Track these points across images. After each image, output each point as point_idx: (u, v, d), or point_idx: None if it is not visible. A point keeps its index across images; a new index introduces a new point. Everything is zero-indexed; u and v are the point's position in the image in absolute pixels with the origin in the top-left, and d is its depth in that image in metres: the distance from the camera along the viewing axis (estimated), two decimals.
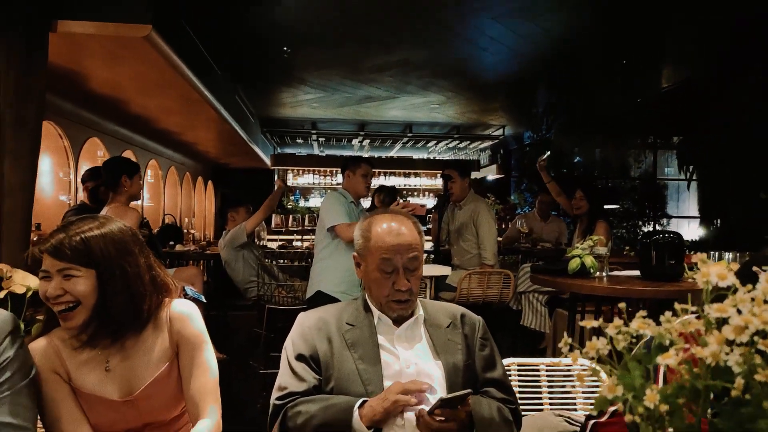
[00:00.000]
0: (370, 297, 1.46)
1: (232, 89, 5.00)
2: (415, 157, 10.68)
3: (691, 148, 6.81)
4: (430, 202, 10.10)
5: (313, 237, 6.02)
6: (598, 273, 2.43)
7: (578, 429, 1.60)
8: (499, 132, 8.43)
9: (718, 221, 6.87)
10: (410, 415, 1.25)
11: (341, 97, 6.10)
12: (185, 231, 5.17)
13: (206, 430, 1.29)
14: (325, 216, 3.17)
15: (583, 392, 1.82)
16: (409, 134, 8.28)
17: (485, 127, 8.20)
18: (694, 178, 6.89)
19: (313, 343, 1.39)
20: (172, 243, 4.52)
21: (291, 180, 10.38)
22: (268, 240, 5.48)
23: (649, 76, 5.56)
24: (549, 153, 4.89)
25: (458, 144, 9.16)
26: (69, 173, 3.93)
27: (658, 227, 8.38)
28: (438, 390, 1.28)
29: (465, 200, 3.98)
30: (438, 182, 10.70)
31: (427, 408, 1.21)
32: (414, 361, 1.37)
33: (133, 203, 3.18)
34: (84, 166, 3.92)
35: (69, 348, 1.33)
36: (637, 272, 2.53)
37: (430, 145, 9.21)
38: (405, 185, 10.56)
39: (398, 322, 1.43)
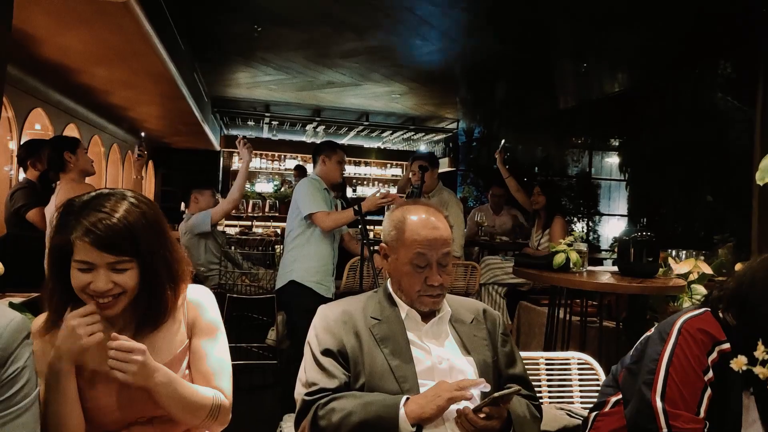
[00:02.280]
0: (398, 291, 1.42)
1: (191, 66, 4.73)
2: (366, 145, 10.62)
3: (629, 150, 7.27)
4: (387, 191, 10.10)
5: (273, 224, 5.87)
6: (578, 268, 2.51)
7: (579, 422, 1.66)
8: (453, 126, 8.56)
9: (644, 220, 7.35)
10: (450, 413, 1.23)
11: (302, 81, 5.94)
12: None
13: (217, 395, 1.26)
14: (301, 203, 3.07)
15: (580, 385, 1.89)
16: (365, 123, 8.21)
17: (440, 120, 8.29)
18: (626, 177, 7.36)
19: (340, 338, 1.34)
20: None
21: (237, 163, 10.02)
22: (225, 225, 5.25)
23: (593, 81, 5.85)
24: (504, 142, 4.98)
25: (412, 135, 9.21)
26: (9, 145, 3.56)
27: (591, 224, 8.91)
28: (487, 384, 1.26)
29: (433, 191, 3.98)
30: (388, 172, 10.73)
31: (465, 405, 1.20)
32: (446, 357, 1.35)
33: (88, 180, 2.94)
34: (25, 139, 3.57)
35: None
36: (613, 268, 2.65)
37: (384, 135, 9.18)
38: (355, 174, 10.50)
39: (425, 317, 1.41)
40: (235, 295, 3.77)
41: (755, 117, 3.15)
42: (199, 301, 1.31)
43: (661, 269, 2.63)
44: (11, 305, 1.87)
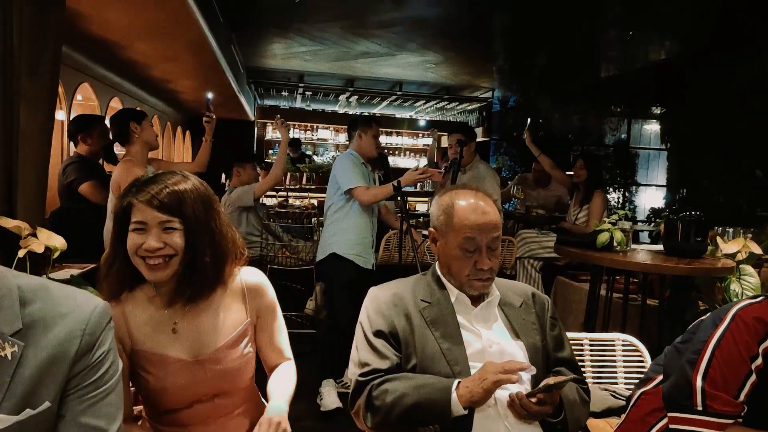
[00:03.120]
0: (446, 274, 1.44)
1: (230, 39, 4.75)
2: (398, 115, 10.53)
3: (671, 119, 7.00)
4: (416, 162, 10.07)
5: (311, 195, 5.94)
6: (623, 248, 2.48)
7: (623, 403, 1.67)
8: (488, 95, 8.38)
9: (684, 191, 7.13)
10: (501, 396, 1.26)
11: (337, 51, 5.89)
12: None
13: (291, 366, 1.47)
14: (341, 178, 3.09)
15: (624, 367, 1.90)
16: (399, 92, 8.12)
17: (474, 89, 8.12)
18: (668, 147, 7.11)
19: (391, 319, 1.37)
20: None
21: (270, 133, 10.10)
22: (264, 196, 5.35)
23: (636, 49, 5.61)
24: (530, 121, 4.84)
25: (446, 105, 9.07)
26: (62, 118, 3.68)
27: (627, 194, 8.70)
28: (533, 368, 1.28)
29: (471, 164, 3.93)
30: (420, 141, 10.64)
31: (517, 389, 1.23)
32: (496, 340, 1.37)
33: (152, 153, 3.01)
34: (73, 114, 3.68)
35: (137, 310, 1.32)
36: (658, 247, 2.60)
37: (417, 104, 9.07)
38: (386, 144, 10.45)
39: (475, 301, 1.43)
40: (275, 267, 3.87)
41: None
42: (258, 284, 1.39)
43: (708, 247, 2.57)
44: (72, 278, 1.98)
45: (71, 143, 3.55)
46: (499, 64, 6.50)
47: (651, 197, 8.60)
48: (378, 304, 1.40)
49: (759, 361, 1.23)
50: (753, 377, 1.22)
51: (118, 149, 2.97)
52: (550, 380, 1.22)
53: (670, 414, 1.28)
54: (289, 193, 5.60)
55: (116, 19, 2.99)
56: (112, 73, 4.43)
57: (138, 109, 3.12)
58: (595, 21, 4.58)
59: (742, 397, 1.22)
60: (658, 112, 7.82)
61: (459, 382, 1.25)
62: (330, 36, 5.21)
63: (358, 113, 10.24)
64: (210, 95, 3.15)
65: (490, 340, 1.37)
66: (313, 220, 4.28)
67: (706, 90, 5.57)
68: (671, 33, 4.84)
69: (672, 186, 7.29)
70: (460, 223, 1.38)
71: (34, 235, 2.00)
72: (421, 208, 6.47)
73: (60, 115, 3.76)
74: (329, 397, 2.99)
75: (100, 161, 3.61)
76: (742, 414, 1.22)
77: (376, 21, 4.59)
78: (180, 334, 1.30)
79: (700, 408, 1.22)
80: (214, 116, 3.18)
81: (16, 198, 2.08)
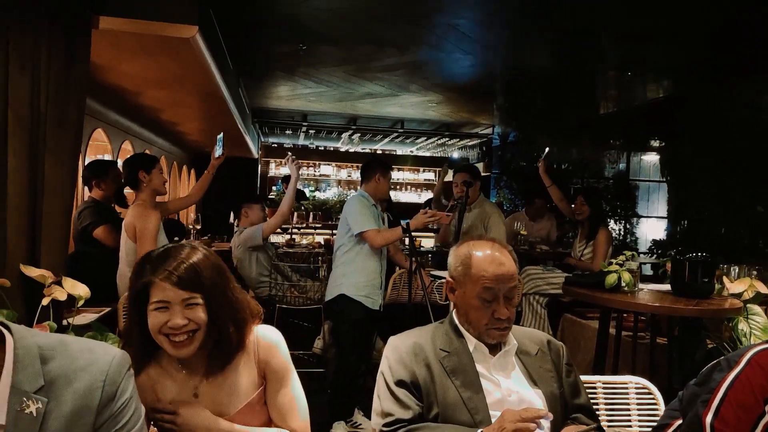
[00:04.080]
0: (464, 323, 1.48)
1: (237, 83, 4.90)
2: (399, 150, 10.70)
3: (670, 152, 7.12)
4: (417, 196, 10.18)
5: (317, 233, 6.00)
6: (631, 288, 2.52)
7: None
8: (488, 131, 8.55)
9: (686, 222, 7.19)
10: None
11: (341, 93, 6.05)
12: (189, 226, 5.04)
13: None
14: (352, 221, 3.15)
15: (638, 410, 1.91)
16: (400, 129, 8.29)
17: (474, 125, 8.29)
18: (667, 179, 7.21)
19: (412, 369, 1.40)
20: (176, 239, 4.40)
21: (273, 170, 10.25)
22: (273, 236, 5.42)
23: (633, 89, 5.77)
24: (548, 150, 4.92)
25: (447, 141, 9.24)
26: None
27: (628, 226, 8.76)
28: (551, 415, 1.30)
29: (475, 203, 3.98)
30: (420, 177, 10.77)
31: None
32: (515, 389, 1.40)
33: (159, 198, 3.09)
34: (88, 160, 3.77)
35: (161, 376, 1.33)
36: (665, 286, 2.64)
37: (419, 140, 9.24)
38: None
39: (493, 349, 1.47)
40: (284, 306, 3.89)
41: None
42: (270, 343, 1.37)
43: (715, 288, 2.61)
44: (93, 325, 2.01)
45: (85, 188, 3.64)
46: (499, 102, 6.67)
47: (652, 228, 8.66)
48: (399, 354, 1.44)
49: None
50: (766, 418, 1.25)
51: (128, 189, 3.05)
52: (572, 428, 1.24)
53: None
54: (295, 233, 5.66)
55: (133, 69, 3.12)
56: (124, 118, 4.55)
57: (148, 153, 3.19)
58: (590, 63, 4.75)
59: None
60: (657, 144, 7.97)
61: (481, 431, 1.28)
62: (334, 79, 5.37)
63: (360, 150, 10.41)
64: (221, 136, 3.24)
65: (510, 389, 1.40)
66: (319, 259, 4.32)
67: (703, 122, 5.70)
68: (666, 71, 5.00)
69: (673, 218, 7.37)
70: (477, 273, 1.43)
71: (58, 283, 2.06)
72: (427, 243, 6.52)
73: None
74: None
75: (113, 205, 3.69)
76: None
77: (380, 65, 4.75)
78: (202, 399, 1.31)
79: None
80: (224, 155, 3.27)
81: (40, 248, 2.14)
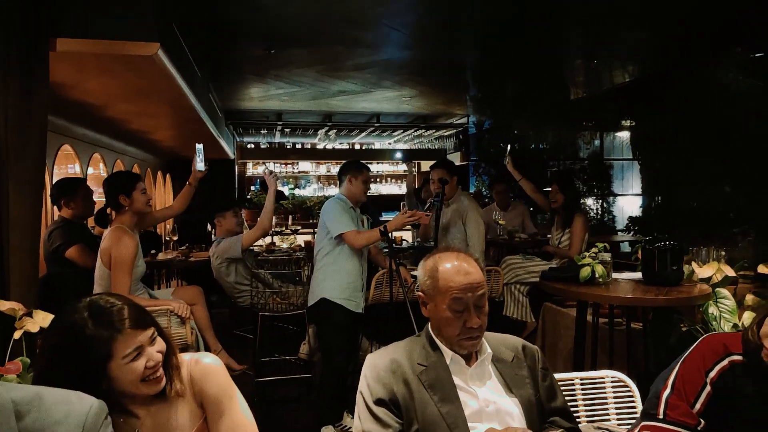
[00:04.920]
0: (438, 335, 1.50)
1: (207, 88, 4.82)
2: (377, 143, 10.69)
3: (642, 133, 7.24)
4: (397, 187, 10.20)
5: (299, 233, 5.98)
6: (605, 279, 2.58)
7: None
8: (463, 120, 8.58)
9: (659, 198, 7.34)
10: None
11: (314, 92, 6.01)
12: (165, 238, 4.97)
13: None
14: (330, 224, 3.15)
15: (615, 403, 1.97)
16: (376, 124, 8.27)
17: (450, 116, 8.32)
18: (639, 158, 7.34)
19: (391, 387, 1.42)
20: (153, 252, 4.35)
21: (251, 170, 10.16)
22: None
23: (603, 73, 5.84)
24: (510, 148, 4.98)
25: (423, 132, 9.25)
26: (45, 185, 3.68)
27: (605, 204, 8.92)
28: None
29: (452, 198, 3.99)
30: (400, 168, 10.77)
31: None
32: (492, 399, 1.43)
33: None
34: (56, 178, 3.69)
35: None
36: (637, 275, 2.71)
37: (395, 133, 9.24)
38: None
39: (468, 360, 1.49)
40: (267, 313, 3.88)
41: None
42: (203, 372, 1.33)
43: (685, 272, 2.69)
44: None
45: (54, 207, 3.57)
46: (472, 93, 6.69)
47: (629, 205, 8.82)
48: (377, 372, 1.45)
49: (713, 373, 1.41)
50: (708, 389, 1.40)
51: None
52: None
53: (641, 423, 1.45)
54: (275, 237, 5.63)
55: (98, 86, 3.05)
56: (92, 131, 4.46)
57: (129, 172, 3.13)
58: (559, 51, 4.78)
59: (698, 407, 1.39)
60: (628, 124, 8.08)
61: None
62: (306, 79, 5.33)
63: (336, 145, 10.37)
64: (201, 147, 3.19)
65: (487, 400, 1.43)
66: (300, 263, 4.31)
67: (672, 101, 5.80)
68: (635, 54, 5.06)
69: (647, 194, 7.51)
70: (445, 285, 1.45)
71: (29, 314, 2.03)
72: (408, 237, 6.54)
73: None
74: None
75: (86, 222, 3.62)
76: (699, 428, 1.38)
77: (351, 64, 4.73)
78: None
79: (661, 416, 1.40)
80: (207, 167, 3.24)
81: (9, 280, 2.10)
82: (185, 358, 1.37)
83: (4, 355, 1.96)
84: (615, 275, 2.85)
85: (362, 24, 3.69)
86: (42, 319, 1.99)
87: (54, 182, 3.56)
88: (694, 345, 1.49)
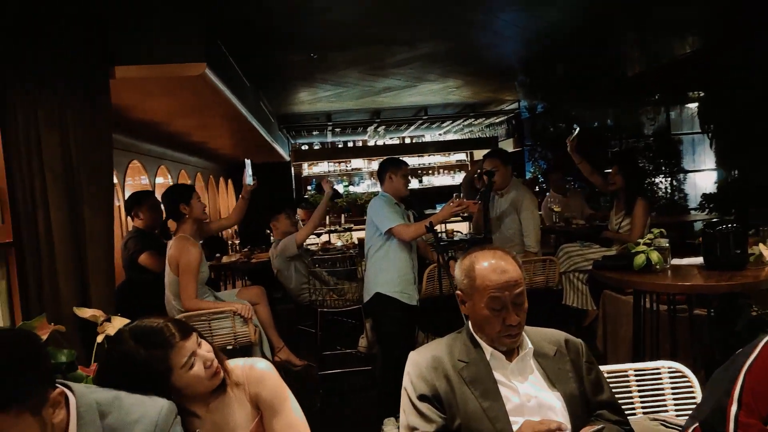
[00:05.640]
0: (479, 332, 1.53)
1: (257, 96, 5.03)
2: (427, 135, 10.67)
3: (713, 104, 6.78)
4: (451, 178, 10.14)
5: (353, 229, 6.13)
6: (662, 266, 2.48)
7: (674, 431, 1.69)
8: (514, 106, 8.39)
9: (735, 172, 6.88)
10: None
11: (360, 91, 6.10)
12: (228, 242, 5.25)
13: None
14: (378, 220, 3.22)
15: (673, 393, 1.91)
16: (424, 117, 8.26)
17: (499, 102, 8.16)
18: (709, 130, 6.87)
19: (433, 383, 1.46)
20: (218, 255, 4.61)
21: (306, 170, 10.44)
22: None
23: (665, 42, 5.50)
24: (577, 130, 4.83)
25: (473, 121, 9.14)
26: (117, 201, 4.00)
27: (675, 182, 8.43)
28: (567, 427, 1.35)
29: (508, 188, 3.93)
30: (452, 158, 10.69)
31: None
32: (533, 394, 1.44)
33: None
34: (128, 191, 4.00)
35: None
36: (698, 259, 2.59)
37: (444, 124, 9.19)
38: (419, 164, 10.59)
39: (509, 355, 1.51)
40: (325, 309, 4.03)
41: None
42: (259, 377, 1.45)
43: (752, 255, 2.54)
44: None
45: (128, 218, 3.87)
46: (520, 78, 6.54)
47: (703, 182, 8.32)
48: (419, 369, 1.50)
49: None
50: None
51: None
52: (586, 429, 1.28)
53: None
54: (331, 235, 5.79)
55: (157, 105, 3.28)
56: (156, 146, 4.78)
57: (184, 184, 3.35)
58: (612, 28, 4.58)
59: None
60: (695, 95, 7.60)
61: None
62: (351, 80, 5.42)
63: (387, 140, 10.44)
64: (249, 163, 3.38)
65: (528, 395, 1.44)
66: (354, 260, 4.42)
67: (743, 69, 5.40)
68: (697, 27, 4.76)
69: (721, 169, 7.05)
70: (482, 284, 1.47)
71: (109, 320, 2.24)
72: (462, 229, 6.52)
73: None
74: None
75: (156, 231, 3.89)
76: None
77: (392, 61, 4.76)
78: None
79: None
80: (257, 181, 3.40)
81: (89, 290, 2.32)
82: (239, 363, 1.49)
83: (89, 358, 2.18)
84: (676, 261, 2.73)
85: (400, 23, 3.72)
86: (120, 323, 2.19)
87: (128, 196, 3.85)
88: (760, 348, 1.29)
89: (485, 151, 4.19)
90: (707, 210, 6.69)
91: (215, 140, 5.47)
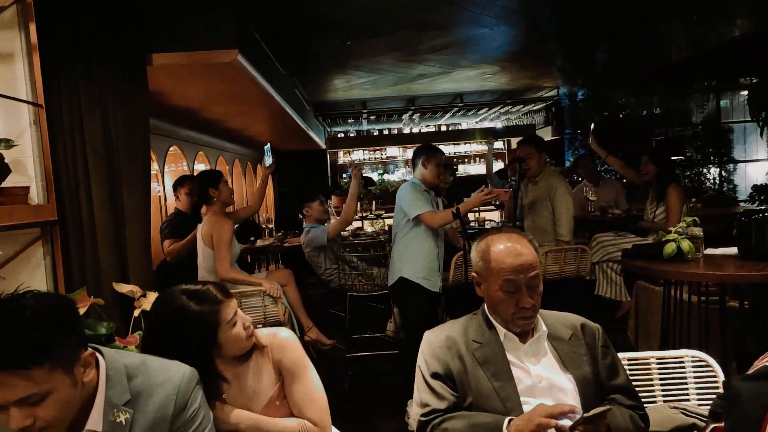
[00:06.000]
0: (493, 314, 1.54)
1: (292, 84, 5.11)
2: (463, 123, 10.56)
3: (763, 91, 6.45)
4: (483, 168, 10.01)
5: (384, 216, 6.19)
6: (694, 255, 2.42)
7: (694, 421, 1.66)
8: (553, 93, 8.20)
9: None
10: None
11: (394, 78, 6.10)
12: (263, 226, 5.40)
13: (296, 422, 1.50)
14: (407, 207, 3.25)
15: (696, 382, 1.88)
16: (460, 104, 8.18)
17: (537, 89, 7.99)
18: (763, 121, 6.52)
19: (446, 362, 1.49)
20: (252, 239, 4.75)
21: (342, 158, 10.54)
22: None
23: (713, 28, 5.25)
24: (594, 125, 4.71)
25: (510, 108, 8.99)
26: (157, 185, 4.17)
27: (723, 173, 8.08)
28: (580, 410, 1.35)
29: (541, 175, 3.88)
30: (486, 147, 10.54)
31: (568, 423, 1.31)
32: (545, 375, 1.45)
33: (228, 209, 3.38)
34: (168, 177, 4.16)
35: None
36: (733, 249, 2.51)
37: (481, 111, 9.08)
38: (455, 152, 10.51)
39: (523, 337, 1.52)
40: (354, 293, 4.11)
41: None
42: (282, 343, 1.55)
43: None
44: None
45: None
46: (558, 64, 6.38)
47: (755, 172, 7.97)
48: (433, 348, 1.53)
49: None
50: None
51: None
52: (587, 414, 1.28)
53: None
54: (364, 221, 5.86)
55: (194, 92, 3.39)
56: (194, 132, 4.94)
57: (213, 170, 3.48)
58: (652, 10, 4.41)
59: None
60: (747, 82, 7.25)
61: (511, 420, 1.35)
62: (385, 66, 5.43)
63: (423, 128, 10.40)
64: (268, 146, 3.47)
65: (540, 376, 1.45)
66: (384, 246, 4.47)
67: None
68: (747, 7, 4.53)
69: None
70: (497, 267, 1.48)
71: (145, 296, 2.36)
72: (495, 217, 6.46)
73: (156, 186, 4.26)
74: None
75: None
76: None
77: (426, 47, 4.74)
78: (231, 401, 1.49)
79: None
80: (274, 164, 3.50)
81: (128, 267, 2.45)
82: (264, 332, 1.58)
83: (126, 331, 2.32)
84: (710, 251, 2.65)
85: (431, 7, 3.70)
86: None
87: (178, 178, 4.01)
88: None
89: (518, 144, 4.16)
90: (757, 202, 6.40)
91: (251, 127, 5.59)
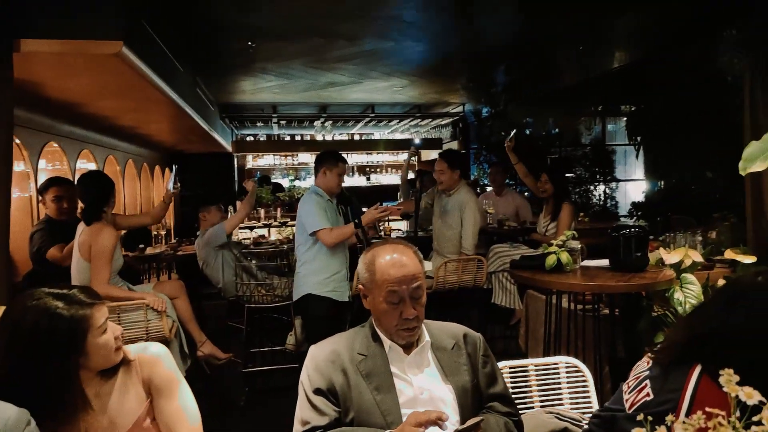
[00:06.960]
0: (379, 326, 1.54)
1: (193, 82, 4.86)
2: (376, 133, 10.69)
3: (639, 119, 7.18)
4: (398, 177, 10.20)
5: (281, 228, 6.03)
6: (572, 267, 2.59)
7: (567, 425, 1.76)
8: (459, 109, 8.55)
9: (662, 183, 7.31)
10: None
11: (304, 83, 6.03)
12: (153, 233, 5.05)
13: None
14: (305, 221, 3.19)
15: (569, 387, 2.00)
16: (371, 114, 8.27)
17: (445, 105, 8.29)
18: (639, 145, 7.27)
19: (329, 377, 1.45)
20: (141, 246, 4.42)
21: (251, 162, 10.23)
22: (239, 230, 5.44)
23: (601, 56, 5.77)
24: (515, 132, 4.99)
25: (420, 122, 9.23)
26: (29, 184, 3.76)
27: (607, 190, 8.88)
28: (451, 414, 1.37)
29: (455, 190, 4.05)
30: (400, 158, 10.76)
31: None
32: (427, 387, 1.46)
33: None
34: (41, 175, 3.76)
35: None
36: (606, 262, 2.72)
37: (392, 123, 9.24)
38: (368, 162, 10.61)
39: (408, 348, 1.52)
40: (252, 305, 3.94)
41: (743, 100, 3.12)
42: (151, 361, 1.42)
43: (655, 258, 2.70)
44: None
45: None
46: (463, 82, 6.66)
47: (634, 191, 8.77)
48: (316, 362, 1.49)
49: None
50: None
51: None
52: (459, 427, 1.31)
53: None
54: (270, 229, 5.69)
55: (75, 85, 3.10)
56: (78, 128, 4.52)
57: (104, 179, 3.13)
58: (549, 41, 4.74)
59: None
60: (627, 109, 8.01)
61: None
62: (293, 71, 5.35)
63: (336, 136, 10.39)
64: (175, 169, 3.34)
65: (421, 387, 1.46)
66: (287, 255, 4.36)
67: (668, 86, 5.73)
68: (630, 38, 5.00)
69: (649, 180, 7.45)
70: (381, 278, 1.48)
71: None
72: (402, 226, 6.56)
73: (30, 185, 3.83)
74: None
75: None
76: None
77: (335, 56, 4.73)
78: (95, 424, 1.33)
79: None
80: (179, 187, 3.34)
81: None
82: (132, 348, 1.44)
83: None
84: (586, 262, 2.86)
85: (337, 18, 3.70)
86: None
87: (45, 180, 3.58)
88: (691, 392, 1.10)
89: (432, 151, 4.34)
90: (635, 217, 7.06)
91: (146, 125, 5.24)
